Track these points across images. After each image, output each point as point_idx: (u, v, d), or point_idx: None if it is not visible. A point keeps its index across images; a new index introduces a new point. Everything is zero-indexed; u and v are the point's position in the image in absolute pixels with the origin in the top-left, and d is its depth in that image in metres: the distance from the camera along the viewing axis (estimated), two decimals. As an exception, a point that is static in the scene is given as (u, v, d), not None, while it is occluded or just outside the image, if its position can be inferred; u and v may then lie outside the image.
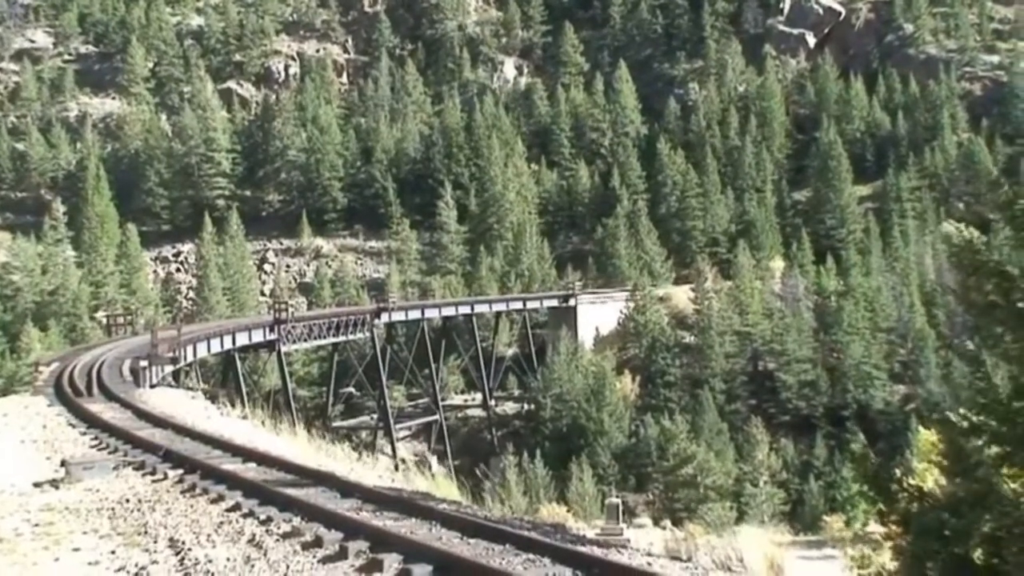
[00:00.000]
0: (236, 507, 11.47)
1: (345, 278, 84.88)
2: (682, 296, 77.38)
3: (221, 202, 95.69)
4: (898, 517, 8.85)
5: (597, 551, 9.81)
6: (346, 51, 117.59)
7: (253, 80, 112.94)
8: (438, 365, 67.63)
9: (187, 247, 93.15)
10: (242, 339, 47.20)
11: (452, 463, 61.75)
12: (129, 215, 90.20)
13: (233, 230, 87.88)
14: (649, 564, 9.87)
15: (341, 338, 58.72)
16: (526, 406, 70.41)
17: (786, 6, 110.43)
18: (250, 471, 13.87)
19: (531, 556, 9.04)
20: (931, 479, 9.22)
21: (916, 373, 65.80)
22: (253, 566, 9.00)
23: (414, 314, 66.94)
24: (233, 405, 31.03)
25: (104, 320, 66.55)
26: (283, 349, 51.58)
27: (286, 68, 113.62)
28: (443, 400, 67.77)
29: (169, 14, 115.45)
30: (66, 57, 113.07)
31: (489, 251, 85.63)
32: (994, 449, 8.36)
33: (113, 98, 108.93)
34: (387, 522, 10.40)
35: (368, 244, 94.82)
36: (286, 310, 53.14)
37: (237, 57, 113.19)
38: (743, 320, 71.58)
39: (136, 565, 9.35)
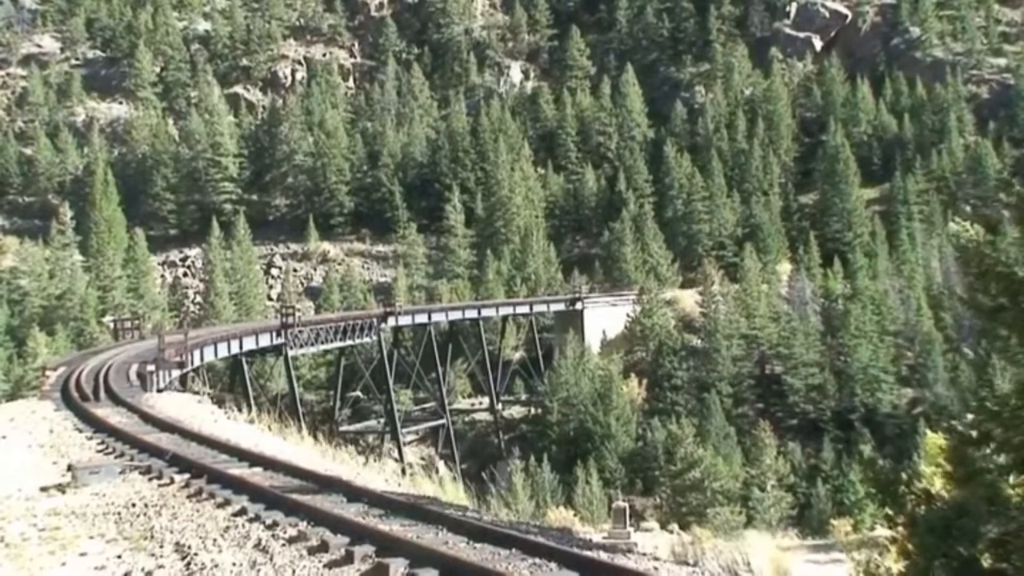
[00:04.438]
0: (242, 511, 11.48)
1: (352, 282, 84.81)
2: (689, 299, 77.29)
3: (228, 206, 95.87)
4: (906, 520, 8.81)
5: (603, 555, 9.80)
6: (353, 55, 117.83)
7: (260, 85, 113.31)
8: (445, 369, 67.56)
9: (194, 251, 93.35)
10: (249, 343, 47.31)
11: (459, 467, 61.62)
12: (136, 220, 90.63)
13: (240, 234, 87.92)
14: (656, 568, 9.83)
15: (348, 342, 58.72)
16: (533, 410, 70.34)
17: (792, 9, 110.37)
18: (256, 475, 13.89)
19: (537, 560, 9.03)
20: (939, 483, 9.16)
21: (923, 376, 65.56)
22: (259, 571, 9.00)
23: (421, 318, 66.96)
24: (240, 409, 31.03)
25: (111, 324, 66.65)
26: (290, 353, 51.66)
27: (293, 72, 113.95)
28: (450, 404, 67.74)
29: (176, 19, 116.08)
30: (73, 62, 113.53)
31: (496, 255, 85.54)
32: (1002, 457, 8.32)
33: (120, 103, 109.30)
34: (393, 526, 10.40)
35: (375, 248, 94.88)
36: (293, 314, 53.15)
37: (244, 62, 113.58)
38: (750, 323, 71.43)
39: (142, 570, 9.35)
